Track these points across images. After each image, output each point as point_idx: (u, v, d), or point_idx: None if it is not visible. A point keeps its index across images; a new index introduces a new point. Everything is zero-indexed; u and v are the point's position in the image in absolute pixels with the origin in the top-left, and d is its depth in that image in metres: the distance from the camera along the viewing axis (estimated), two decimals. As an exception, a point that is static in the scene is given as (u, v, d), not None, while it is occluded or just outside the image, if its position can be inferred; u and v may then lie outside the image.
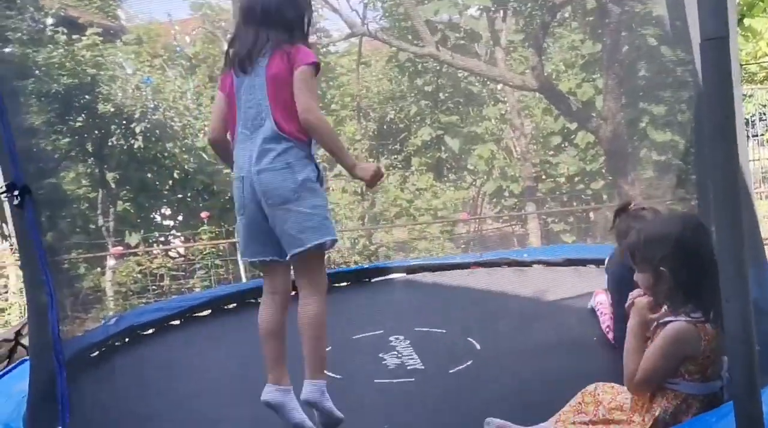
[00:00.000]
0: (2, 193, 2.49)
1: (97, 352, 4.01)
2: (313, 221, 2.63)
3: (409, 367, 3.39)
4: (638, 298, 2.33)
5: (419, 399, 3.04)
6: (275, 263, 2.76)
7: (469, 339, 3.70)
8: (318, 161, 2.72)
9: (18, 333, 4.77)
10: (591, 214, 10.18)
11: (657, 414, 2.22)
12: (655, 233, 2.32)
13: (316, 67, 2.66)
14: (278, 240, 2.69)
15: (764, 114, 9.97)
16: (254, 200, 2.66)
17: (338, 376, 3.28)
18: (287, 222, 2.63)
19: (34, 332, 2.98)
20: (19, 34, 8.65)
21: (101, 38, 9.34)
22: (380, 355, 3.56)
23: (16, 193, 2.45)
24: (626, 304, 2.39)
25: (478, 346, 3.62)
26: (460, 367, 3.31)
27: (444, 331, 3.92)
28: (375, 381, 3.24)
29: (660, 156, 9.03)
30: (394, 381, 3.23)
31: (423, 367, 3.38)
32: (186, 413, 3.16)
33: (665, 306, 2.30)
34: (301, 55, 2.63)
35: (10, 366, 3.73)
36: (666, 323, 2.24)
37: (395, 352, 3.60)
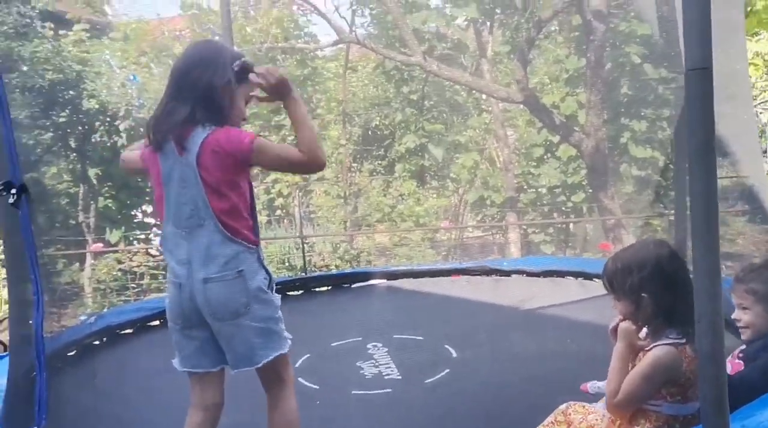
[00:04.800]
0: None
1: (74, 351, 4.00)
2: (263, 337, 2.32)
3: (386, 377, 3.41)
4: (624, 323, 2.36)
5: (395, 412, 3.07)
6: (209, 374, 2.43)
7: (446, 346, 3.73)
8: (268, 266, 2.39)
9: (-4, 329, 4.73)
10: (571, 226, 10.28)
11: (638, 435, 2.27)
12: (631, 260, 2.35)
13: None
14: (220, 351, 2.38)
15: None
16: (195, 310, 2.32)
17: (315, 386, 3.30)
18: (235, 337, 2.32)
19: (15, 329, 2.97)
20: (5, 28, 8.59)
21: (88, 34, 9.30)
22: (358, 364, 3.58)
23: (13, 191, 2.45)
24: (610, 327, 2.44)
25: (454, 354, 3.66)
26: (437, 377, 3.34)
27: (422, 338, 3.96)
28: (352, 392, 3.26)
29: (640, 171, 9.16)
30: (371, 392, 3.25)
31: (400, 377, 3.41)
32: (162, 415, 3.16)
33: (646, 331, 2.35)
34: (238, 135, 2.26)
35: (-13, 362, 3.70)
36: (650, 347, 2.29)
37: (373, 361, 3.63)
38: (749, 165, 2.30)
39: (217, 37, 9.34)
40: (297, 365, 3.63)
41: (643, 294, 2.28)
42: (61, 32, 9.03)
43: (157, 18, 11.05)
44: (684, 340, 2.22)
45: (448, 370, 3.43)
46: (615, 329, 2.40)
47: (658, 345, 2.27)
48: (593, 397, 2.79)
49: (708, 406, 1.86)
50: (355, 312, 4.78)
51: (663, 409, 2.27)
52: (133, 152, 2.54)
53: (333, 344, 3.95)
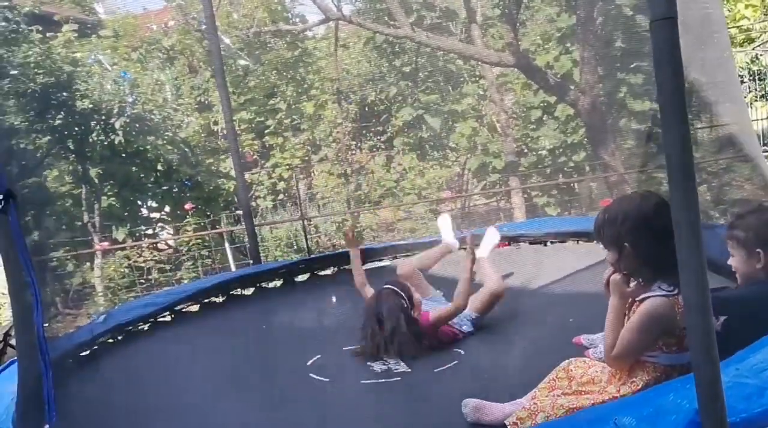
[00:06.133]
0: None
1: (87, 351, 4.04)
2: None
3: (395, 371, 3.38)
4: (614, 275, 2.39)
5: (404, 397, 3.06)
6: None
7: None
8: None
9: (7, 334, 4.81)
10: (575, 186, 10.23)
11: (640, 386, 2.29)
12: (617, 211, 2.38)
13: None
14: None
15: (743, 77, 10.03)
16: None
17: (326, 379, 3.29)
18: None
19: (20, 333, 3.01)
20: (-7, 35, 8.59)
21: (77, 34, 9.28)
22: (368, 363, 3.53)
23: (-1, 197, 2.45)
24: (603, 280, 2.46)
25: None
26: (445, 367, 3.30)
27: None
28: (362, 382, 3.25)
29: (639, 125, 9.06)
30: (381, 381, 3.23)
31: (409, 370, 3.36)
32: (174, 409, 3.20)
33: (636, 282, 2.37)
34: None
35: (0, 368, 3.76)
36: (643, 299, 2.30)
37: (383, 359, 3.51)
38: (730, 111, 2.28)
39: (203, 26, 9.31)
40: (309, 363, 3.57)
41: (625, 244, 2.30)
42: (49, 35, 9.00)
43: (144, 11, 11.03)
44: (676, 291, 2.23)
45: (456, 361, 3.38)
46: (608, 281, 2.43)
47: (651, 296, 2.28)
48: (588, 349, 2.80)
49: (697, 356, 1.86)
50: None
51: (660, 360, 2.29)
52: None
53: (345, 348, 3.76)
